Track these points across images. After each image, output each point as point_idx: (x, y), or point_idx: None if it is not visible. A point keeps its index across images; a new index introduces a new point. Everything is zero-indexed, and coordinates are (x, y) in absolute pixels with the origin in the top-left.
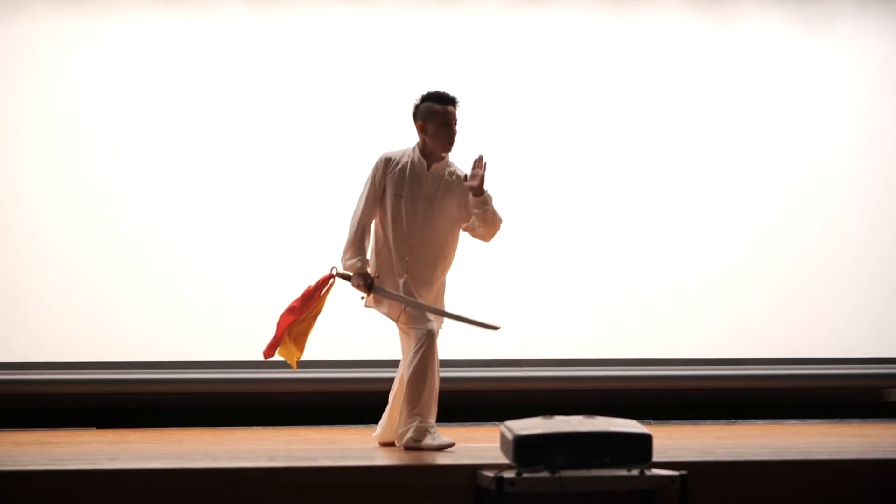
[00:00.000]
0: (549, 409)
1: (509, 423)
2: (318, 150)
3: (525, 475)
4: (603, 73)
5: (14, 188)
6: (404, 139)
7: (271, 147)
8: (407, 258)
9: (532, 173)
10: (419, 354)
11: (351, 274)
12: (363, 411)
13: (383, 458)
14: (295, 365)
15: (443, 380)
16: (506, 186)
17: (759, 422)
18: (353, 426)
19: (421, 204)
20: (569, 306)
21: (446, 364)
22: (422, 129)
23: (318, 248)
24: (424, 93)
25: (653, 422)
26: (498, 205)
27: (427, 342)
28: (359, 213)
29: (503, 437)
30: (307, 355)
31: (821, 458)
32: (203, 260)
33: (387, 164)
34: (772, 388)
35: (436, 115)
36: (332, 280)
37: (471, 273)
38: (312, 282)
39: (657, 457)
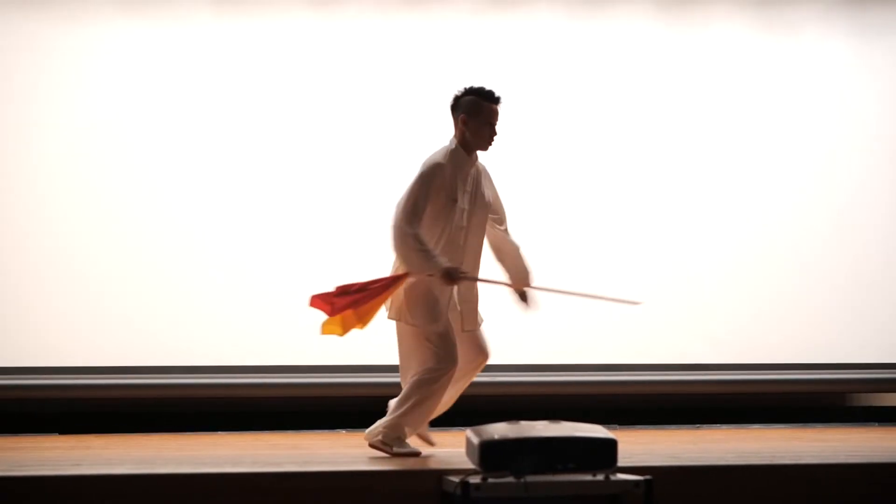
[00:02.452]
0: (514, 414)
1: (475, 428)
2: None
3: (490, 480)
4: (594, 78)
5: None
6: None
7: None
8: (460, 255)
9: (510, 177)
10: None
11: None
12: (330, 416)
13: (349, 464)
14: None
15: None
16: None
17: (724, 426)
18: (319, 431)
19: (468, 200)
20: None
21: None
22: (464, 123)
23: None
24: (467, 86)
25: (618, 427)
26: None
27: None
28: (420, 219)
29: (469, 442)
30: (275, 360)
31: (784, 463)
32: (182, 264)
33: (441, 170)
34: (736, 392)
35: (483, 111)
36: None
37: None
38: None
39: (622, 461)
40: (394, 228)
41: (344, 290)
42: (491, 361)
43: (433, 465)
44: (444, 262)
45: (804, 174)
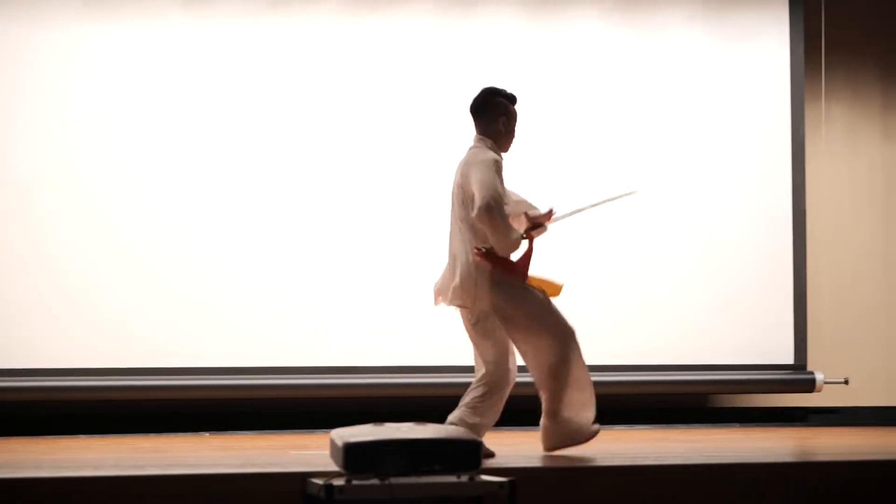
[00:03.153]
0: (380, 416)
1: (339, 430)
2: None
3: (355, 482)
4: (460, 79)
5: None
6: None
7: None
8: None
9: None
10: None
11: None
12: (194, 419)
13: (211, 466)
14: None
15: (271, 387)
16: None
17: None
18: (182, 434)
19: None
20: (397, 312)
21: (273, 371)
22: (495, 124)
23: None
24: (488, 88)
25: None
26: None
27: None
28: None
29: (333, 444)
30: (137, 363)
31: (647, 464)
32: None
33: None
34: (600, 394)
35: (512, 115)
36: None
37: (300, 277)
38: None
39: (486, 463)
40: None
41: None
42: (355, 363)
43: (297, 467)
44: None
45: (668, 175)
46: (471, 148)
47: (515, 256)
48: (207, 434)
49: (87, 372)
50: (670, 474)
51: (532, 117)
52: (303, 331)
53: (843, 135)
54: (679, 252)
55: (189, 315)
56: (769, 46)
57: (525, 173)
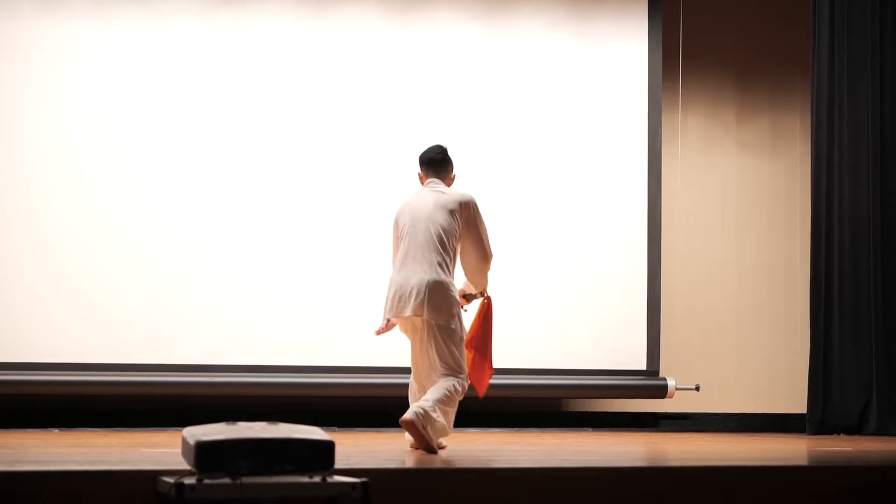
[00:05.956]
0: (233, 415)
1: (191, 428)
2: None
3: (206, 481)
4: (329, 80)
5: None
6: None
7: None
8: None
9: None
10: None
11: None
12: (44, 414)
13: (60, 464)
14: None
15: (120, 384)
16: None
17: None
18: (30, 430)
19: None
20: (254, 311)
21: (125, 368)
22: (452, 177)
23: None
24: (441, 146)
25: (337, 429)
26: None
27: None
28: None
29: (185, 442)
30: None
31: (501, 466)
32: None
33: None
34: None
35: None
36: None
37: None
38: (471, 317)
39: (341, 464)
40: (488, 258)
41: (480, 355)
42: (213, 361)
43: (148, 465)
44: None
45: (526, 181)
46: (445, 187)
47: None
48: (57, 430)
49: None
50: (524, 477)
51: (392, 119)
52: (154, 328)
53: (699, 145)
54: (535, 257)
55: (42, 311)
56: (628, 57)
57: (386, 174)
